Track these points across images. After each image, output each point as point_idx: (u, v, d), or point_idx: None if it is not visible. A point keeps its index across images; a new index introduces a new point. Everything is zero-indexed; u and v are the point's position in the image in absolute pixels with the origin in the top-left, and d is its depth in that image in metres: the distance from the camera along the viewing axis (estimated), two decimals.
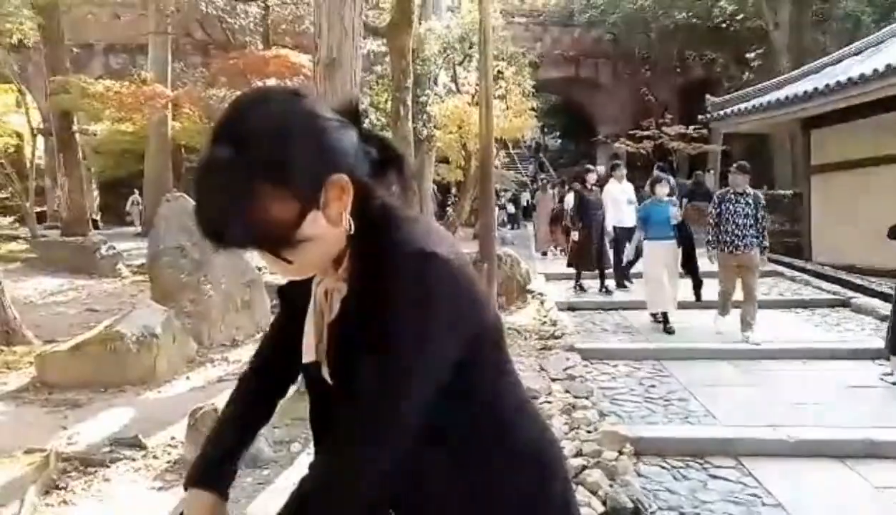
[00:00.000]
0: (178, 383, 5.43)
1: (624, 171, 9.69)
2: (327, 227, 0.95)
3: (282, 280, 1.11)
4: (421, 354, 0.92)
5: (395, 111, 11.16)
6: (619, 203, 9.14)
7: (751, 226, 6.42)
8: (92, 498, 3.37)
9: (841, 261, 10.82)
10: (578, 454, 3.74)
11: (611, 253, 9.36)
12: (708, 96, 15.32)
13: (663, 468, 3.82)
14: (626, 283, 9.48)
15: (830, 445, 3.96)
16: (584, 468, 3.55)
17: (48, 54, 14.13)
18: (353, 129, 1.00)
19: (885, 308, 6.95)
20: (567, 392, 4.85)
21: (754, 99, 13.20)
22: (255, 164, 0.88)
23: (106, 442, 3.99)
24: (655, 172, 8.33)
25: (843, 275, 9.91)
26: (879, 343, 5.88)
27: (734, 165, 6.80)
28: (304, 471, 0.97)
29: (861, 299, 8.17)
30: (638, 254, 8.00)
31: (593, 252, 9.05)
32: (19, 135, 16.39)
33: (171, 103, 16.13)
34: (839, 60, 12.64)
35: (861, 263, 10.27)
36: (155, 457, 3.84)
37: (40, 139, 17.26)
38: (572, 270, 9.63)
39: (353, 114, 1.02)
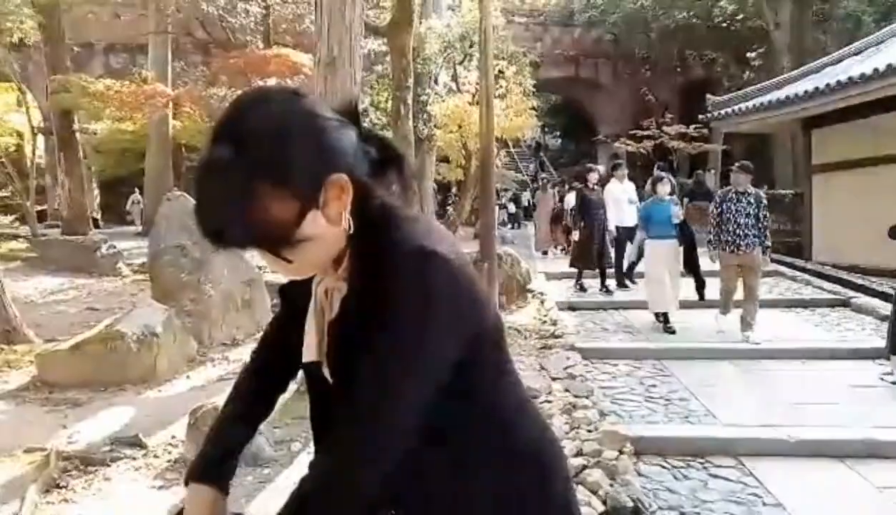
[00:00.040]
0: (178, 382, 5.44)
1: (625, 171, 9.69)
2: (327, 227, 0.95)
3: (282, 279, 1.11)
4: (421, 354, 0.92)
5: (395, 110, 11.17)
6: (620, 203, 9.14)
7: (753, 225, 6.41)
8: (92, 497, 3.37)
9: (841, 261, 10.82)
10: (579, 453, 3.74)
11: (612, 252, 9.37)
12: (708, 96, 15.31)
13: (664, 467, 3.82)
14: (628, 283, 9.48)
15: (831, 445, 3.96)
16: (585, 467, 3.55)
17: (49, 53, 14.12)
18: (352, 129, 1.00)
19: (885, 307, 6.95)
20: (567, 391, 4.85)
21: (755, 98, 13.20)
22: (254, 164, 0.88)
23: (106, 441, 4.00)
24: (656, 171, 8.33)
25: (844, 275, 9.91)
26: (880, 342, 5.89)
27: (736, 165, 6.79)
28: (305, 470, 0.97)
29: (861, 299, 8.16)
30: (640, 254, 8.00)
31: (594, 251, 9.05)
32: (20, 134, 16.38)
33: (172, 102, 16.13)
34: (839, 60, 12.64)
35: (862, 263, 10.27)
36: (155, 456, 3.85)
37: (41, 138, 17.23)
38: (573, 269, 9.63)
39: (352, 114, 1.02)
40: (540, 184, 18.29)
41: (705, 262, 7.23)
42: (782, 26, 19.94)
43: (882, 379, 5.28)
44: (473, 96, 14.37)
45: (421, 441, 0.95)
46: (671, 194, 7.39)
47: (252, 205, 0.88)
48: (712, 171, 21.54)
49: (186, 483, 1.14)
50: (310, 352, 1.07)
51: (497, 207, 13.04)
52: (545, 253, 14.64)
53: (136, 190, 21.42)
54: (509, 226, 22.34)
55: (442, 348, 0.94)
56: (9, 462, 3.41)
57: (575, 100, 31.21)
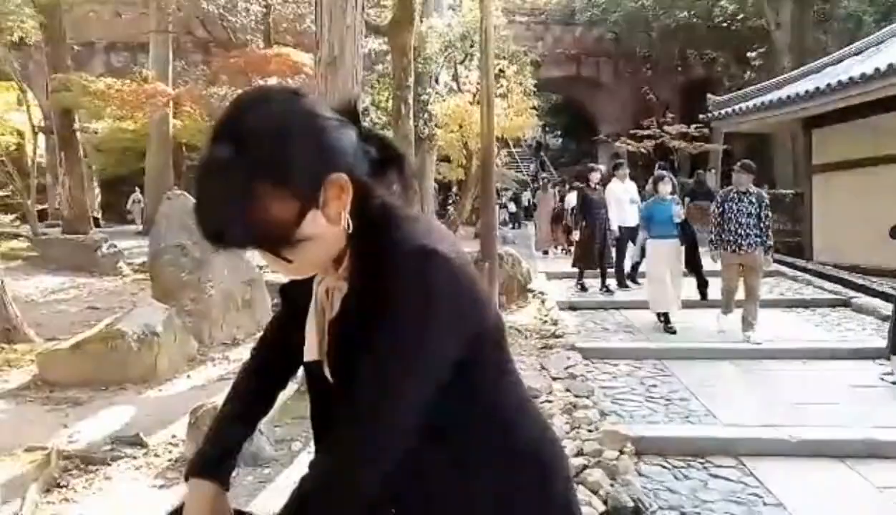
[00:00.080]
0: (178, 381, 5.44)
1: (627, 171, 9.69)
2: (327, 226, 0.95)
3: (283, 278, 1.11)
4: (421, 353, 0.92)
5: (396, 110, 11.16)
6: (622, 202, 9.12)
7: (754, 225, 6.40)
8: (93, 496, 3.37)
9: (842, 261, 10.81)
10: (579, 453, 3.74)
11: (613, 252, 9.36)
12: (709, 95, 15.31)
13: (664, 467, 3.82)
14: (629, 283, 9.47)
15: (831, 445, 3.95)
16: (585, 467, 3.55)
17: (49, 52, 14.11)
18: (352, 129, 1.00)
19: (885, 308, 6.95)
20: (568, 391, 4.85)
21: (755, 98, 13.19)
22: (255, 164, 0.88)
23: (107, 440, 4.00)
24: (657, 171, 8.32)
25: (845, 275, 9.91)
26: (880, 342, 5.89)
27: (738, 164, 6.77)
28: (305, 470, 0.97)
29: (862, 299, 8.16)
30: (643, 254, 7.99)
31: (596, 250, 9.04)
32: (20, 133, 16.40)
33: (173, 101, 16.12)
34: (840, 60, 12.64)
35: (862, 263, 10.26)
36: (156, 455, 3.85)
37: (41, 137, 17.21)
38: (574, 269, 9.63)
39: (352, 114, 1.02)
40: (540, 183, 18.29)
41: (706, 262, 7.22)
42: (783, 26, 19.94)
43: (882, 379, 5.28)
44: (474, 96, 14.36)
45: (421, 440, 0.95)
46: (672, 193, 7.39)
47: (252, 204, 0.88)
48: (713, 171, 21.54)
49: (187, 479, 1.15)
50: (310, 352, 1.07)
51: (498, 207, 13.05)
52: (546, 252, 14.64)
53: (137, 189, 21.45)
54: (510, 225, 22.35)
55: (442, 347, 0.93)
56: (9, 461, 3.41)
57: (576, 99, 31.20)
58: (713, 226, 6.65)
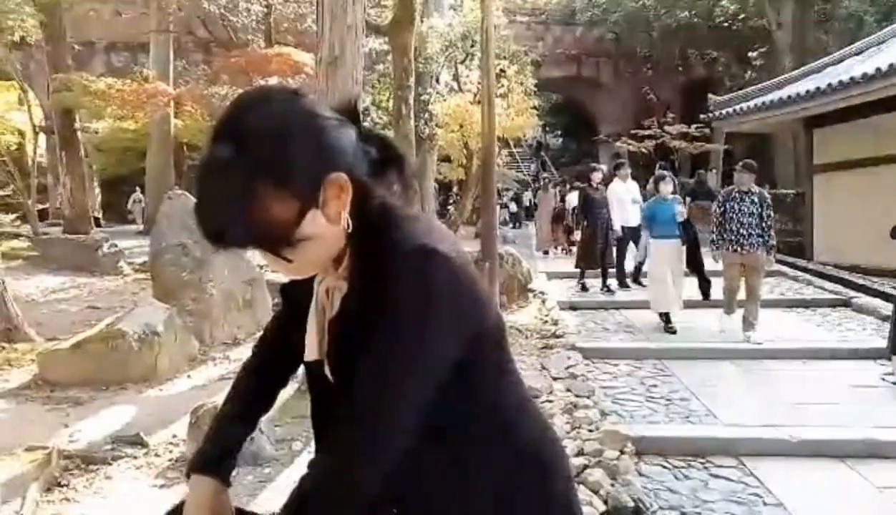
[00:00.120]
0: (179, 381, 5.44)
1: (628, 170, 9.68)
2: (326, 226, 0.95)
3: (284, 278, 1.11)
4: (421, 353, 0.92)
5: (396, 109, 11.16)
6: (624, 202, 9.12)
7: (756, 225, 6.39)
8: (93, 496, 3.38)
9: (843, 261, 10.81)
10: (580, 453, 3.74)
11: (615, 252, 9.36)
12: (710, 95, 15.30)
13: (665, 467, 3.82)
14: (632, 284, 9.46)
15: (832, 445, 3.95)
16: (586, 467, 3.55)
17: (50, 52, 14.12)
18: (352, 128, 1.00)
19: (886, 308, 6.95)
20: (568, 391, 4.85)
21: (756, 98, 13.19)
22: (255, 164, 0.88)
23: (107, 440, 4.00)
24: (658, 170, 8.32)
25: (845, 275, 9.91)
26: (881, 343, 5.89)
27: (740, 163, 6.76)
28: (305, 469, 0.97)
29: (862, 299, 8.16)
30: (647, 255, 7.98)
31: (598, 250, 9.04)
32: (21, 133, 16.37)
33: (173, 101, 16.13)
34: (841, 60, 12.63)
35: (863, 263, 10.26)
36: (157, 455, 3.85)
37: (42, 137, 17.21)
38: (575, 269, 9.62)
39: (352, 113, 1.02)
40: (541, 183, 18.29)
41: (707, 262, 7.22)
42: (784, 26, 19.93)
43: (883, 379, 5.28)
44: (475, 95, 14.35)
45: (421, 440, 0.94)
46: (674, 193, 7.38)
47: (252, 204, 0.88)
48: (714, 171, 21.52)
49: (188, 476, 1.15)
50: (311, 351, 1.07)
51: (498, 207, 13.04)
52: (546, 252, 14.65)
53: (138, 188, 21.45)
54: (510, 225, 22.36)
55: (443, 347, 0.93)
56: (10, 460, 3.41)
57: (576, 99, 31.19)
58: (714, 226, 6.64)
